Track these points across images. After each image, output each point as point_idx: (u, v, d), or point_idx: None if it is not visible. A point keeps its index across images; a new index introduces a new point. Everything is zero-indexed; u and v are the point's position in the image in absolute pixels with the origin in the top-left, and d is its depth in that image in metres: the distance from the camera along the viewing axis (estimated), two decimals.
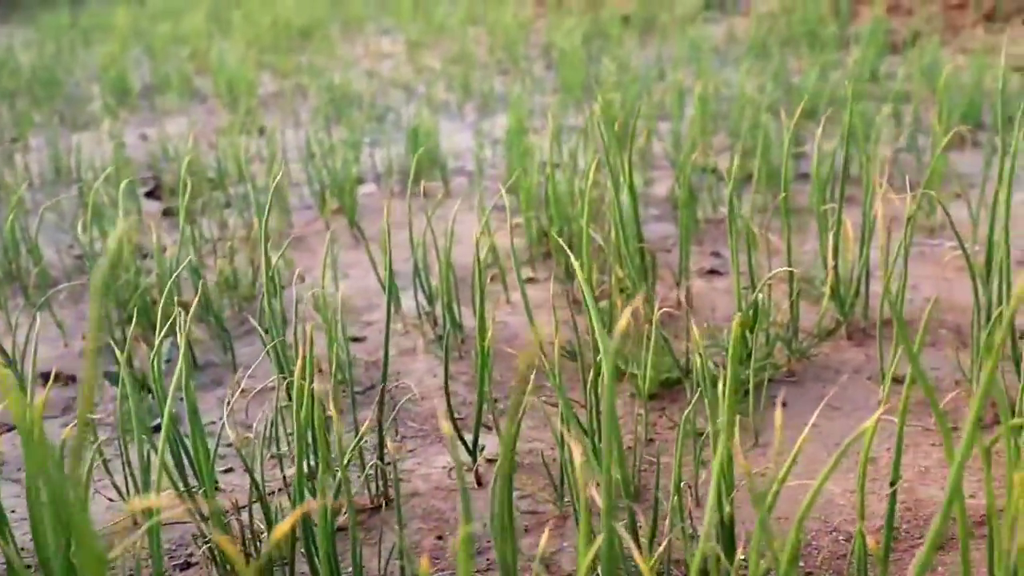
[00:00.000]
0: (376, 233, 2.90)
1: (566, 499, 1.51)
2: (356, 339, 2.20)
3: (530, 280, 2.41)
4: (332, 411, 1.13)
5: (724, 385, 1.25)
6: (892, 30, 5.67)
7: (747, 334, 1.72)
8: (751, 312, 1.72)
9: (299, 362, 1.18)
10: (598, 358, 1.63)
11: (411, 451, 1.73)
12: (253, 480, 1.31)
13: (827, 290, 1.87)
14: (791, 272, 1.88)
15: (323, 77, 5.27)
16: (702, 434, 1.67)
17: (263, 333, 1.94)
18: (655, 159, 3.49)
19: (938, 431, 1.62)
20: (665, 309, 2.10)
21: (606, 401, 1.23)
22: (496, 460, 1.64)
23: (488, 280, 2.44)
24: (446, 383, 1.53)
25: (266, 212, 1.64)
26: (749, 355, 1.77)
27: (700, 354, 1.41)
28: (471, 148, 3.85)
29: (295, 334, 1.70)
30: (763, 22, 6.11)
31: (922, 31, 5.67)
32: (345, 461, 1.18)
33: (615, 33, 5.93)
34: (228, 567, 1.36)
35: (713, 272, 2.38)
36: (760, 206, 2.88)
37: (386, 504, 1.56)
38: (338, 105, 4.54)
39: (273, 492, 1.61)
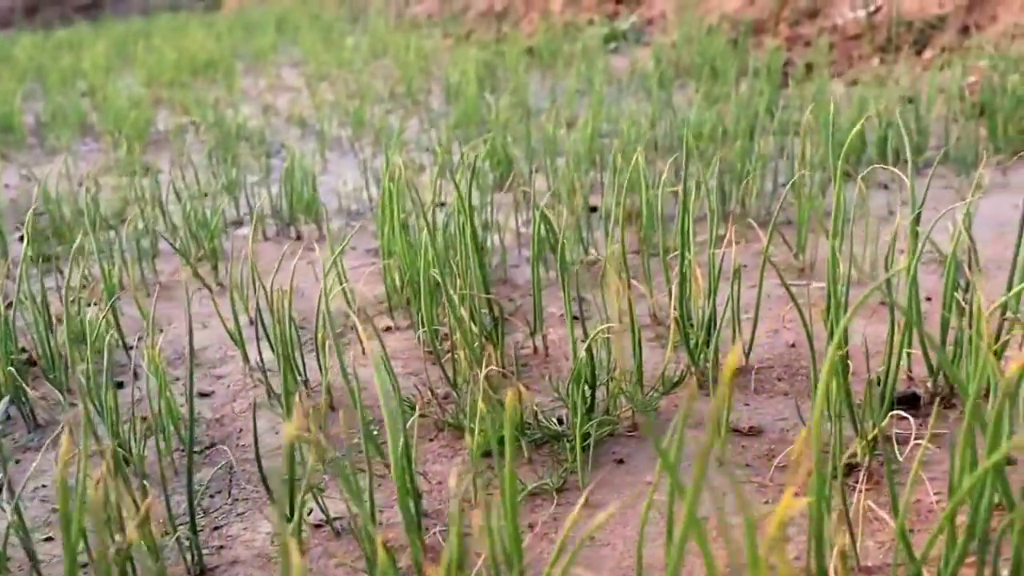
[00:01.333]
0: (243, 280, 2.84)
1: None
2: (203, 394, 2.13)
3: (388, 329, 2.36)
4: (104, 495, 1.07)
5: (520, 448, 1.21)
6: (789, 62, 5.73)
7: (584, 389, 1.69)
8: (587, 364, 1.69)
9: (65, 437, 1.12)
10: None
11: (240, 515, 1.67)
12: (32, 559, 1.24)
13: (671, 338, 1.85)
14: (631, 320, 1.85)
15: (216, 113, 5.19)
16: (536, 494, 1.64)
17: (92, 392, 1.87)
18: (539, 197, 3.47)
19: (681, 500, 1.60)
20: (488, 367, 2.06)
21: (394, 465, 1.19)
22: (321, 525, 1.58)
23: (345, 329, 2.39)
24: (256, 446, 1.47)
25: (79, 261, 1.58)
26: (589, 410, 1.74)
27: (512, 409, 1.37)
28: (359, 187, 3.80)
29: (145, 390, 1.64)
30: (663, 54, 6.14)
31: (818, 63, 5.73)
32: (135, 539, 1.12)
33: (513, 65, 5.93)
34: None
35: (576, 319, 2.35)
36: (636, 247, 2.86)
37: (202, 574, 1.50)
38: (227, 143, 4.46)
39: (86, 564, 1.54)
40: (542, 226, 2.53)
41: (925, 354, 1.86)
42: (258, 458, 1.53)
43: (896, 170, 1.82)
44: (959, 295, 1.89)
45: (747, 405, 1.88)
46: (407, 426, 1.66)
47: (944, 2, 5.75)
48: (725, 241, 2.04)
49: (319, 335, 1.95)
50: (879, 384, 1.80)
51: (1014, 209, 2.91)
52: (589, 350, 1.68)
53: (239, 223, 3.45)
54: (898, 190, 3.35)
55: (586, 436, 1.68)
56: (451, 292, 1.90)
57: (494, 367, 1.67)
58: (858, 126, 1.63)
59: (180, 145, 4.66)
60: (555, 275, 2.66)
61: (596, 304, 2.35)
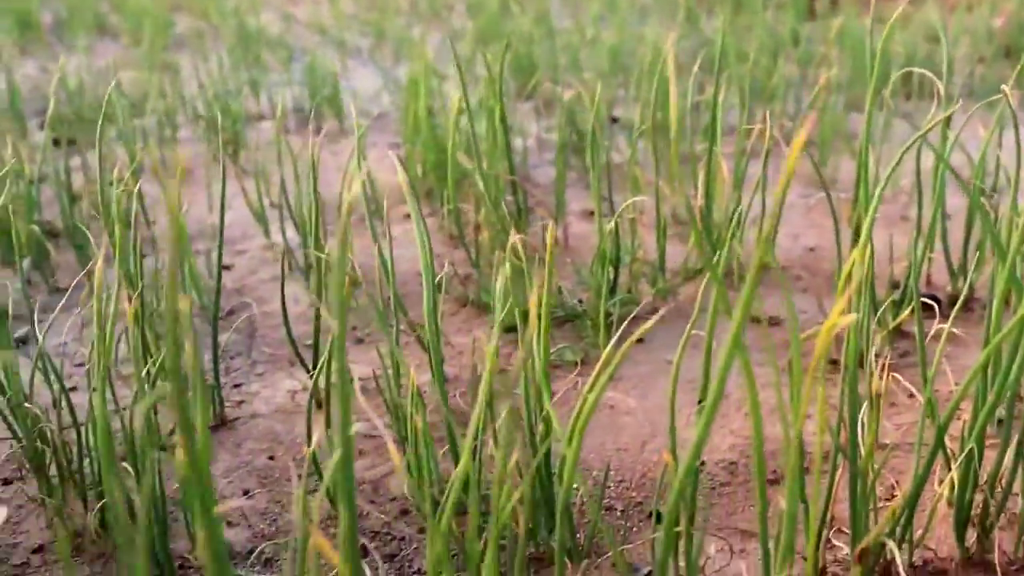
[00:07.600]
0: (265, 168, 2.84)
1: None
2: (225, 267, 2.14)
3: (408, 217, 2.36)
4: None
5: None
6: None
7: (608, 271, 1.70)
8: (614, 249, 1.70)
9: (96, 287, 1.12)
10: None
11: (260, 374, 1.69)
12: (64, 389, 1.26)
13: (694, 228, 1.85)
14: (657, 212, 1.85)
15: (236, 18, 5.15)
16: (557, 365, 1.65)
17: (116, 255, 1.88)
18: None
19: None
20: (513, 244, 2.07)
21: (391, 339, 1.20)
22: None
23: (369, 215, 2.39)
24: (284, 311, 1.48)
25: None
26: (611, 291, 1.75)
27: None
28: (379, 91, 3.79)
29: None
30: None
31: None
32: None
33: None
34: (47, 481, 1.31)
35: (605, 198, 2.35)
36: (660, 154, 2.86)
37: (223, 424, 1.52)
38: (247, 45, 4.44)
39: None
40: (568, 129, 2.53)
41: (949, 261, 1.86)
42: (286, 319, 1.54)
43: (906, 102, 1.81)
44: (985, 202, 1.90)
45: (766, 300, 1.88)
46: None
47: None
48: (751, 142, 2.03)
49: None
50: (901, 287, 1.81)
51: None
52: (616, 231, 1.69)
53: (261, 118, 3.44)
54: (920, 121, 3.33)
55: (608, 315, 1.69)
56: (480, 174, 1.90)
57: (519, 245, 1.67)
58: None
59: (201, 46, 4.63)
60: (575, 176, 2.66)
61: (616, 206, 2.35)
